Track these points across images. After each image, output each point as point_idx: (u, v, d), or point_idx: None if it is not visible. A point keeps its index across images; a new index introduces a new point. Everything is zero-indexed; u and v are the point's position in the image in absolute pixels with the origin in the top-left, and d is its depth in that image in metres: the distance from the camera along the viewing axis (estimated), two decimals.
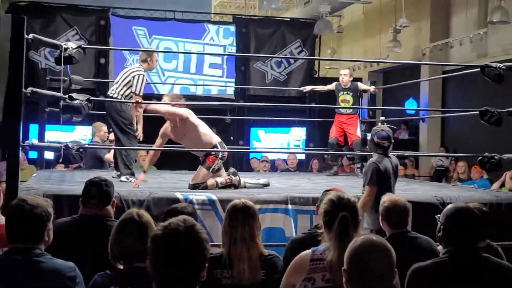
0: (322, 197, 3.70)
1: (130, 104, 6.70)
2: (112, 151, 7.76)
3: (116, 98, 6.69)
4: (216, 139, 6.39)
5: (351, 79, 8.91)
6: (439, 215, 3.23)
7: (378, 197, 4.75)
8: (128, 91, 6.71)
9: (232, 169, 6.58)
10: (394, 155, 5.61)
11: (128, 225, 2.91)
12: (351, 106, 8.67)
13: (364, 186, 5.29)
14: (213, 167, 6.20)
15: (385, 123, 6.37)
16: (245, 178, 6.60)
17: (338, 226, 3.03)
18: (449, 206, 3.28)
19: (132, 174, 6.60)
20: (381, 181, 5.20)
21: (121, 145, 6.69)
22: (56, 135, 9.83)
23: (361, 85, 9.09)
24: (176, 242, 2.06)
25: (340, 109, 8.77)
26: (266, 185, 6.47)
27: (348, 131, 8.72)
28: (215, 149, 6.25)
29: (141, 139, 7.14)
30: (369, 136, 5.71)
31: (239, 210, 3.44)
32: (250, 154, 12.56)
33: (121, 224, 2.93)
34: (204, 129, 6.35)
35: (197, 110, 11.72)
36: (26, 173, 8.68)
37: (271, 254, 3.47)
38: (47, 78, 8.06)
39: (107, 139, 8.31)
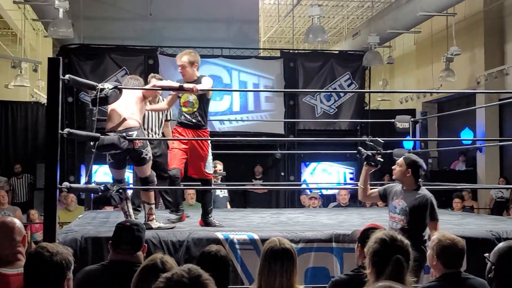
0: (353, 235, 3.49)
1: None
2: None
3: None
4: None
5: (195, 69, 5.82)
6: (488, 254, 2.98)
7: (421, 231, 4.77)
8: None
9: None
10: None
11: (150, 272, 2.73)
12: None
13: (427, 221, 4.86)
14: None
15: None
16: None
17: (392, 270, 2.85)
18: (500, 244, 3.03)
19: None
20: None
21: None
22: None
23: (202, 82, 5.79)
24: None
25: (182, 119, 5.88)
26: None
27: (194, 159, 5.84)
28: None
29: None
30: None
31: (278, 254, 3.23)
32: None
33: (142, 271, 2.75)
34: None
35: (246, 146, 11.76)
36: (74, 214, 8.73)
37: None
38: (93, 119, 8.08)
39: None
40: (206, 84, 5.74)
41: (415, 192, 4.92)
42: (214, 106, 12.66)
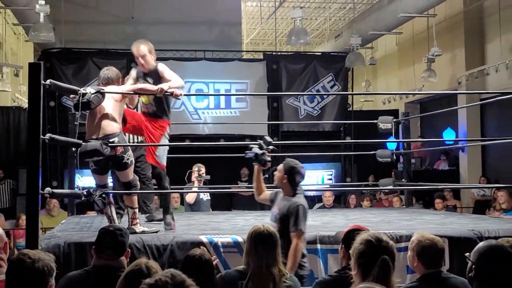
0: (337, 237, 3.58)
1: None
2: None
3: None
4: None
5: (153, 58, 5.71)
6: (469, 254, 3.01)
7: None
8: None
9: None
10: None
11: (135, 278, 2.71)
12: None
13: (291, 231, 4.59)
14: None
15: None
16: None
17: (379, 271, 2.87)
18: (480, 244, 3.08)
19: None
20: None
21: None
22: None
23: (162, 70, 5.66)
24: None
25: (142, 109, 5.96)
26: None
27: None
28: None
29: None
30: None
31: (264, 238, 3.67)
32: None
33: (127, 276, 2.73)
34: None
35: (231, 149, 11.78)
36: (57, 219, 8.68)
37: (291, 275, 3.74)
38: (75, 123, 8.04)
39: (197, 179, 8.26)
40: (168, 73, 5.64)
41: (289, 199, 4.75)
42: (196, 104, 12.86)
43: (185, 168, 8.39)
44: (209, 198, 8.70)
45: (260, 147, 5.04)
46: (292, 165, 4.83)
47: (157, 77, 5.65)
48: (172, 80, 5.63)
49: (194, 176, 8.24)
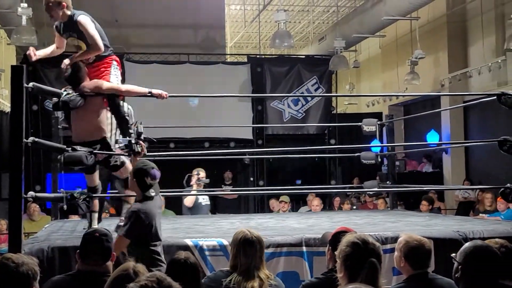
0: (324, 238, 3.59)
1: None
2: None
3: None
4: None
5: (68, 12, 5.22)
6: (455, 254, 3.01)
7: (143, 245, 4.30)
8: None
9: None
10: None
11: (123, 283, 2.66)
12: None
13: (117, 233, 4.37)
14: None
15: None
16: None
17: (367, 273, 2.86)
18: (466, 244, 3.09)
19: None
20: (141, 233, 4.33)
21: None
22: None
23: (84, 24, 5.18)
24: None
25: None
26: None
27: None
28: None
29: None
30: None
31: (252, 242, 3.72)
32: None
33: (114, 282, 2.68)
34: None
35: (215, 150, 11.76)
36: (39, 224, 8.60)
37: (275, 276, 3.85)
38: (59, 127, 7.98)
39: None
40: (91, 33, 5.18)
41: (134, 204, 4.55)
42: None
43: (169, 172, 8.36)
44: (208, 203, 8.71)
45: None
46: (140, 166, 4.51)
47: (78, 31, 5.20)
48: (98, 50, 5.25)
49: (194, 180, 8.25)
